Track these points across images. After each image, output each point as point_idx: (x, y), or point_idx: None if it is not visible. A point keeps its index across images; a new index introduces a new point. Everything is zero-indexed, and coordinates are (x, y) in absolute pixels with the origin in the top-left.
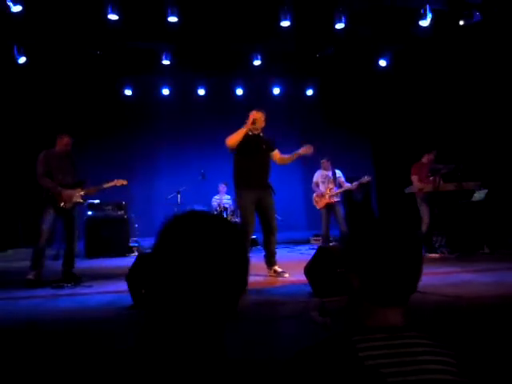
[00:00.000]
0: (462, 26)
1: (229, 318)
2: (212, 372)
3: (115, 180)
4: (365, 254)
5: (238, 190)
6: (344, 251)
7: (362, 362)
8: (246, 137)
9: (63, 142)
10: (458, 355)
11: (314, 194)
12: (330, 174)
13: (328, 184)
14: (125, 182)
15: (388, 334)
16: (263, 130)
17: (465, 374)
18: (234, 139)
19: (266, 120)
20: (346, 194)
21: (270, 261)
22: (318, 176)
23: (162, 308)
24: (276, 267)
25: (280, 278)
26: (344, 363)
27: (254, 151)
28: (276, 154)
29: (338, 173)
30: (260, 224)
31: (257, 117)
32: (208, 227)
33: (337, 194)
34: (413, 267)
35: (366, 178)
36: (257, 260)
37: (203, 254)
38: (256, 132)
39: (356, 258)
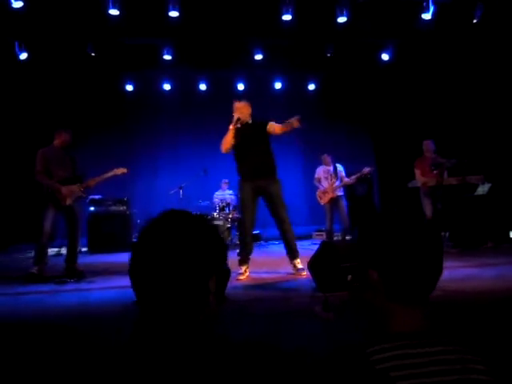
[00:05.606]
0: (464, 18)
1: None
2: (205, 355)
3: (114, 169)
4: (387, 247)
5: (239, 183)
6: (360, 246)
7: (379, 376)
8: (236, 131)
9: (61, 138)
10: (487, 361)
11: (318, 191)
12: (331, 168)
13: (330, 179)
14: (125, 170)
15: (408, 342)
16: (252, 116)
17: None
18: (224, 145)
19: (252, 108)
20: (348, 189)
21: (288, 253)
22: (319, 172)
23: (150, 300)
24: (296, 261)
25: (286, 274)
26: (359, 377)
27: (246, 142)
28: (272, 126)
29: (339, 167)
30: (271, 216)
31: (239, 111)
32: (177, 225)
33: (339, 187)
34: (435, 262)
35: (366, 170)
36: (257, 255)
37: (175, 248)
38: (244, 122)
39: (376, 252)
